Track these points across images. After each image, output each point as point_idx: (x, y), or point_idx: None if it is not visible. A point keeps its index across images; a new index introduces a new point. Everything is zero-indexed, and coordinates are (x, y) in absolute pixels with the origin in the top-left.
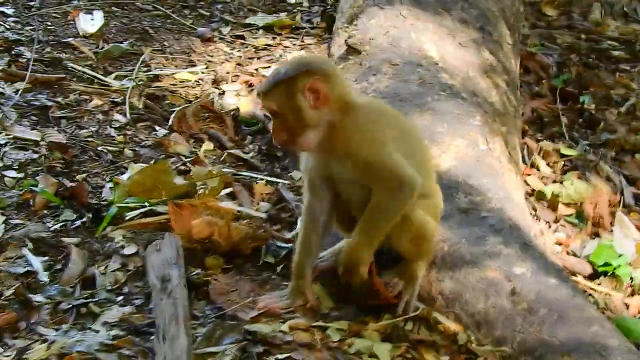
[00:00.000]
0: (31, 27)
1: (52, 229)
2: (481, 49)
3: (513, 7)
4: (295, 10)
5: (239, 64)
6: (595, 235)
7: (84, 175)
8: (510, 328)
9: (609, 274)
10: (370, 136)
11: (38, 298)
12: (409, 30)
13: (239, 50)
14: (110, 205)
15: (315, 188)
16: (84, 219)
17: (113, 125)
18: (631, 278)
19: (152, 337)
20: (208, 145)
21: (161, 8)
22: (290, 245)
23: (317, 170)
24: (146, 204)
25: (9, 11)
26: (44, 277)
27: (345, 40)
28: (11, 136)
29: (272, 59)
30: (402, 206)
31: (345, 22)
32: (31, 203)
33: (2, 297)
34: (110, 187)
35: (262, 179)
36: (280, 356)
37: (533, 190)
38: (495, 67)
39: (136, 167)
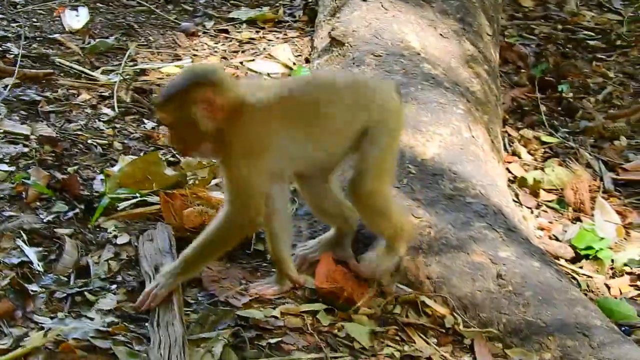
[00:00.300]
0: (17, 24)
1: (45, 220)
2: (462, 39)
3: None
4: (277, 4)
5: (223, 58)
6: (577, 220)
7: (75, 167)
8: (496, 310)
9: (590, 257)
10: (243, 149)
11: (33, 288)
12: (391, 22)
13: (223, 44)
14: (102, 197)
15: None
16: (77, 211)
17: (102, 119)
18: (612, 260)
19: (147, 324)
20: None
21: (145, 3)
22: None
23: None
24: (137, 194)
25: None
26: (38, 267)
27: (329, 33)
28: (1, 130)
29: (256, 52)
30: (237, 231)
31: (327, 14)
32: (24, 195)
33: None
34: (101, 179)
35: None
36: (271, 340)
37: (515, 177)
38: (476, 57)
39: (126, 159)
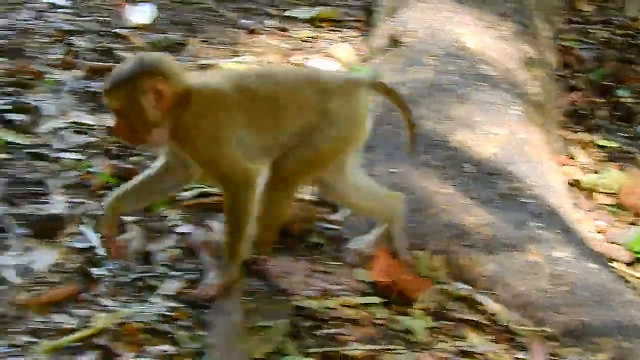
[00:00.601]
0: (84, 19)
1: None
2: (519, 41)
3: (550, 1)
4: (336, 4)
5: (283, 56)
6: (634, 223)
7: (138, 158)
8: (551, 310)
9: None
10: (205, 133)
11: (99, 272)
12: (448, 23)
13: (282, 42)
14: None
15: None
16: None
17: None
18: None
19: (207, 311)
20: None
21: (207, 1)
22: (337, 227)
23: (172, 155)
24: (200, 185)
25: (62, 2)
26: (103, 252)
27: (386, 33)
28: (70, 121)
29: (315, 51)
30: (246, 204)
31: (385, 14)
32: (90, 184)
33: (66, 271)
34: None
35: None
36: (328, 331)
37: (572, 180)
38: (533, 60)
39: None
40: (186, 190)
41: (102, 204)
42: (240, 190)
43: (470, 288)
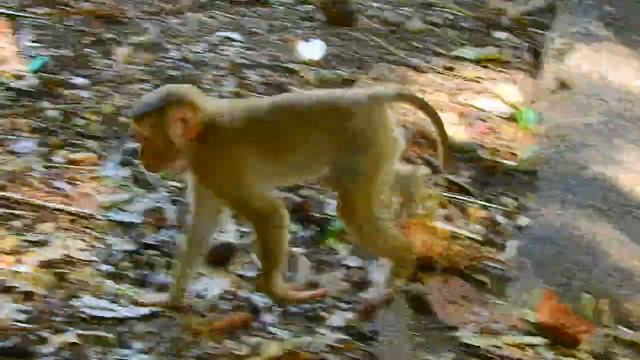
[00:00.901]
0: (256, 52)
1: None
2: None
3: None
4: (502, 45)
5: (450, 94)
6: None
7: (309, 192)
8: None
9: None
10: (227, 167)
11: (269, 301)
12: (617, 67)
13: (449, 81)
14: (333, 220)
15: None
16: (310, 231)
17: None
18: None
19: (375, 343)
20: (423, 169)
21: (376, 39)
22: (502, 267)
23: (198, 201)
24: None
25: (236, 36)
26: None
27: (554, 75)
28: None
29: (481, 91)
30: (277, 237)
31: (553, 56)
32: None
33: (237, 298)
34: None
35: (475, 203)
36: None
37: None
38: None
39: None
40: None
41: None
42: (267, 227)
43: (638, 333)
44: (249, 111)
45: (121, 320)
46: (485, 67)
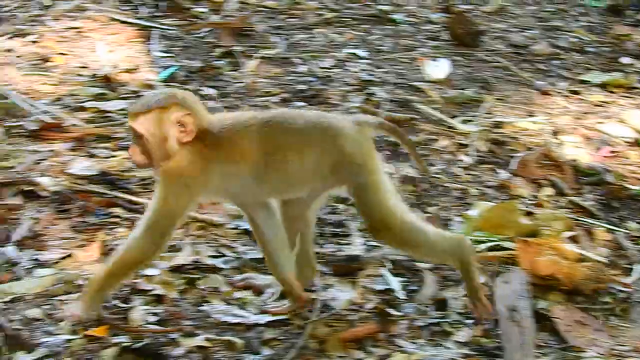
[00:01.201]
0: (382, 70)
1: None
2: None
3: None
4: (628, 70)
5: (575, 118)
6: None
7: (434, 207)
8: None
9: None
10: (184, 177)
11: (396, 313)
12: None
13: (574, 105)
14: None
15: None
16: None
17: (459, 165)
18: None
19: None
20: (548, 191)
21: (501, 60)
22: (629, 290)
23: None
24: (494, 238)
25: (363, 53)
26: (401, 294)
27: None
28: None
29: (607, 115)
30: (131, 261)
31: None
32: None
33: (364, 310)
34: (460, 221)
35: (601, 226)
36: None
37: None
38: None
39: (482, 205)
40: (482, 242)
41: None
42: (144, 248)
43: None
44: (241, 124)
45: (249, 327)
46: (610, 92)
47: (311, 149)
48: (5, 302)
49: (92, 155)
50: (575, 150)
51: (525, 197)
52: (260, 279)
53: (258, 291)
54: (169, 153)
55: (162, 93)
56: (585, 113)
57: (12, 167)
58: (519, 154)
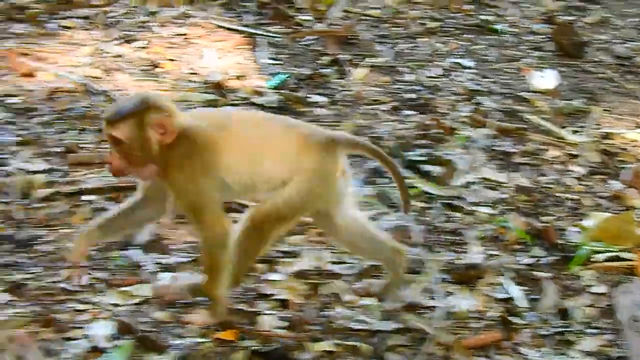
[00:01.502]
0: (488, 79)
1: (524, 262)
2: None
3: None
4: None
5: None
6: None
7: (550, 217)
8: None
9: None
10: (196, 171)
11: (519, 321)
12: None
13: None
14: (577, 247)
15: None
16: (553, 257)
17: (570, 175)
18: None
19: None
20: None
21: (607, 71)
22: None
23: (152, 189)
24: (612, 249)
25: (468, 63)
26: (523, 303)
27: None
28: (480, 176)
29: None
30: (218, 255)
31: None
32: (504, 238)
33: (486, 318)
34: (577, 231)
35: None
36: None
37: None
38: None
39: (598, 215)
40: (600, 252)
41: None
42: (214, 238)
43: None
44: (218, 122)
45: (374, 333)
46: None
47: (279, 152)
48: (133, 304)
49: None
50: None
51: (639, 208)
52: (377, 285)
53: (379, 297)
54: (150, 156)
55: (135, 97)
56: None
57: None
58: (629, 165)
